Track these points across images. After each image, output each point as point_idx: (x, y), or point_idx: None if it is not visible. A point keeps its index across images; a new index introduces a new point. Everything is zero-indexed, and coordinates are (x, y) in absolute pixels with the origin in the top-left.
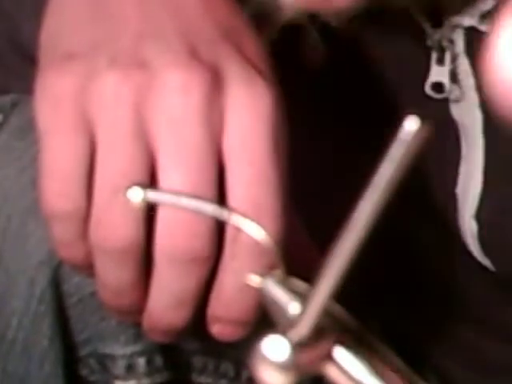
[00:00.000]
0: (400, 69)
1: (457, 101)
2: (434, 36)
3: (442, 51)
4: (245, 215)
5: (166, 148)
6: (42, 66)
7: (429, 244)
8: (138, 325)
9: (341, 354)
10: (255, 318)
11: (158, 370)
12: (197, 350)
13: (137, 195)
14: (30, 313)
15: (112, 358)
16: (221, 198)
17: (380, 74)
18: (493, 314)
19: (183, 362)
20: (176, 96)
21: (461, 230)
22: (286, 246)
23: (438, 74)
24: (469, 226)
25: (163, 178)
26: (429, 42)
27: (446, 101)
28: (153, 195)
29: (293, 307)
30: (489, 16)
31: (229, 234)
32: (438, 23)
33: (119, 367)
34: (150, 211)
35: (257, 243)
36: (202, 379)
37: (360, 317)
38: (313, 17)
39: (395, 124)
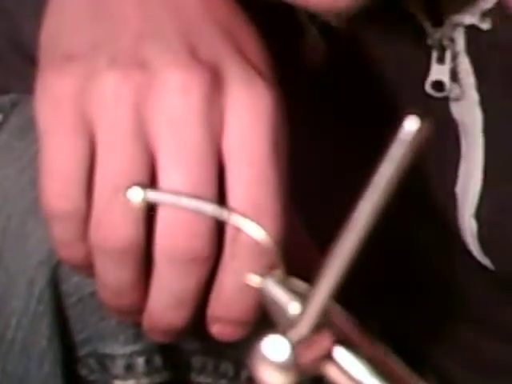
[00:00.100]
0: (400, 68)
1: (457, 99)
2: (435, 35)
3: (442, 50)
4: (245, 215)
5: (165, 148)
6: (41, 66)
7: (429, 243)
8: (137, 325)
9: (341, 354)
10: (255, 317)
11: (158, 370)
12: (196, 349)
13: (137, 195)
14: (29, 313)
15: (111, 357)
16: (221, 199)
17: (380, 73)
18: (493, 314)
19: (182, 362)
20: (176, 96)
21: (460, 229)
22: (286, 245)
23: (439, 72)
24: (468, 225)
25: (163, 178)
26: (429, 41)
27: (446, 99)
28: (153, 195)
29: (293, 307)
30: (490, 14)
31: (229, 233)
32: (438, 22)
33: (118, 367)
34: (150, 211)
35: (257, 243)
36: (202, 379)
37: (360, 317)
38: (313, 16)
39: (395, 124)
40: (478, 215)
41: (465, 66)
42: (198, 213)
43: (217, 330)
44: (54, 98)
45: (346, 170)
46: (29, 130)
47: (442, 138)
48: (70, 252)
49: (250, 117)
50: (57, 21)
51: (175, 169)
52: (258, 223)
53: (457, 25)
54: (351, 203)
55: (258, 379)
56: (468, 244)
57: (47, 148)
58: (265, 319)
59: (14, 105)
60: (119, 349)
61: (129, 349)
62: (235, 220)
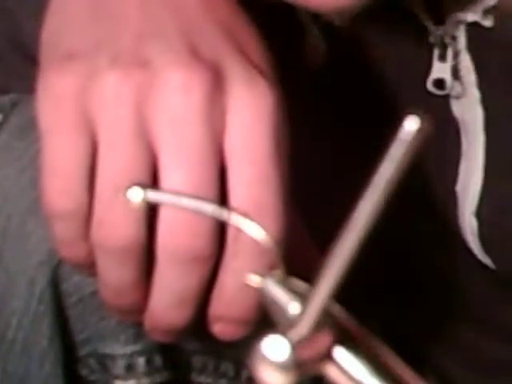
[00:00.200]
0: (401, 66)
1: (458, 97)
2: (436, 33)
3: (443, 48)
4: (245, 215)
5: (167, 147)
6: (43, 66)
7: (429, 242)
8: (137, 324)
9: (341, 354)
10: (257, 317)
11: (158, 370)
12: (196, 349)
13: (137, 195)
14: (29, 313)
15: (112, 357)
16: (222, 198)
17: (381, 72)
18: (493, 314)
19: (183, 362)
20: (177, 95)
21: (461, 227)
22: (286, 245)
23: (440, 70)
24: (469, 224)
25: (164, 177)
26: (431, 39)
27: (446, 98)
28: (153, 195)
29: (293, 307)
30: (492, 11)
31: (230, 232)
32: (439, 20)
33: (119, 367)
34: (152, 210)
35: (258, 242)
36: (202, 379)
37: (360, 317)
38: (314, 16)
39: (395, 124)
40: (479, 213)
41: (466, 63)
42: (197, 213)
43: (218, 329)
44: (56, 97)
45: (346, 169)
46: (29, 130)
47: (443, 137)
48: (72, 251)
49: (251, 116)
50: (58, 20)
51: (176, 168)
52: (260, 222)
53: (459, 22)
54: (351, 203)
55: (258, 379)
56: (468, 242)
57: (49, 147)
58: (265, 319)
59: (14, 105)
60: (119, 349)
61: (129, 349)
62: (235, 220)
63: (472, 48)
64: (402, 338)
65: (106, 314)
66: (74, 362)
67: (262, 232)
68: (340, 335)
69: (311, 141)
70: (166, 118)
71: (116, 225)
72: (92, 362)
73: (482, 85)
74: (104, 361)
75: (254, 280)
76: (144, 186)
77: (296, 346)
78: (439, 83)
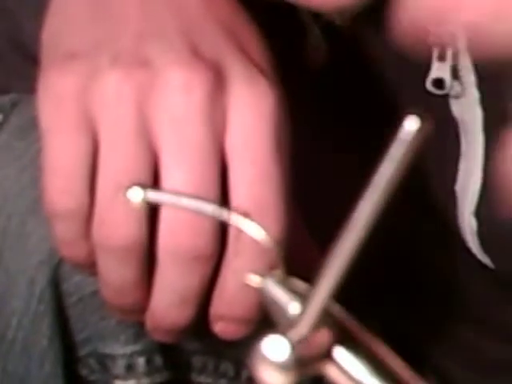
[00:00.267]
0: (401, 66)
1: (457, 97)
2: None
3: (443, 47)
4: (245, 215)
5: (168, 146)
6: (43, 66)
7: (429, 242)
8: (137, 324)
9: (341, 354)
10: (258, 316)
11: (158, 370)
12: (196, 349)
13: (137, 195)
14: (29, 312)
15: (112, 357)
16: (223, 197)
17: (381, 71)
18: (493, 314)
19: (183, 362)
20: (178, 95)
21: (460, 227)
22: (287, 245)
23: (439, 70)
24: (468, 223)
25: (166, 176)
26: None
27: (446, 97)
28: (153, 195)
29: (293, 307)
30: None
31: (232, 231)
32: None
33: (119, 367)
34: (154, 209)
35: (259, 242)
36: (202, 379)
37: (360, 317)
38: (315, 16)
39: (395, 124)
40: (478, 213)
41: (465, 63)
42: (198, 213)
43: (220, 328)
44: (57, 97)
45: (346, 169)
46: (29, 130)
47: (442, 137)
48: (73, 250)
49: (252, 115)
50: (59, 20)
51: (178, 167)
52: (261, 222)
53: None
54: (351, 203)
55: (258, 379)
56: (468, 242)
57: (50, 146)
58: (265, 319)
59: (14, 105)
60: (120, 349)
61: (129, 349)
62: (235, 220)
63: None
64: (402, 337)
65: (106, 314)
66: (74, 361)
67: (262, 232)
68: (340, 335)
69: (311, 140)
70: (167, 117)
71: (117, 224)
72: (92, 361)
73: (482, 85)
74: (104, 361)
75: (254, 280)
76: (144, 186)
77: (296, 346)
78: (438, 83)
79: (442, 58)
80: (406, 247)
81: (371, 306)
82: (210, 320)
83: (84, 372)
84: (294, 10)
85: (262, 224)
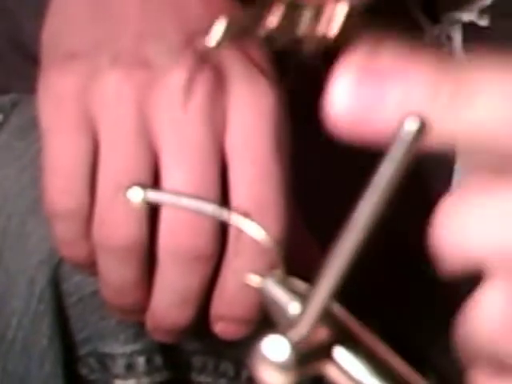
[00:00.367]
0: None
1: None
2: (432, 32)
3: (439, 47)
4: (245, 215)
5: (168, 146)
6: (44, 66)
7: (428, 242)
8: (137, 324)
9: (341, 354)
10: (258, 316)
11: (158, 369)
12: (196, 349)
13: (137, 195)
14: (29, 312)
15: (112, 357)
16: (223, 197)
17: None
18: None
19: (183, 362)
20: (178, 95)
21: None
22: (287, 244)
23: None
24: None
25: (166, 176)
26: (426, 38)
27: None
28: (153, 195)
29: (293, 307)
30: (488, 11)
31: (232, 231)
32: (435, 19)
33: (119, 366)
34: (154, 209)
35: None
36: (202, 378)
37: (360, 317)
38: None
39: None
40: None
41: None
42: (198, 213)
43: (220, 328)
44: (57, 97)
45: (346, 169)
46: (29, 130)
47: None
48: (73, 250)
49: (252, 115)
50: (59, 20)
51: (178, 167)
52: (261, 221)
53: (454, 22)
54: (351, 203)
55: (258, 379)
56: None
57: (50, 146)
58: (265, 319)
59: (14, 105)
60: (119, 348)
61: (129, 348)
62: (235, 220)
63: (468, 48)
64: (402, 337)
65: (106, 314)
66: (74, 361)
67: (262, 232)
68: (340, 335)
69: (311, 140)
70: (167, 117)
71: (117, 224)
72: (92, 361)
73: None
74: (104, 360)
75: (254, 280)
76: (144, 186)
77: (296, 346)
78: None
79: None
80: (405, 246)
81: (371, 306)
82: (211, 320)
83: (84, 371)
84: None
85: (262, 224)
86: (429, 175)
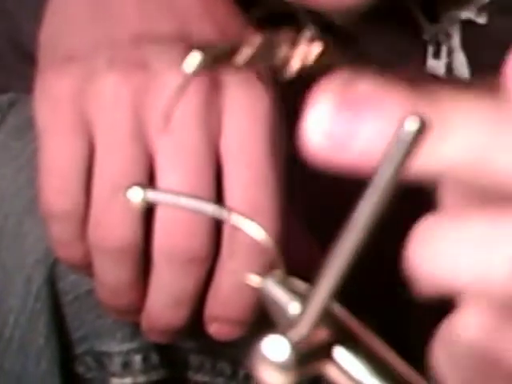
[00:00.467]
0: (396, 63)
1: None
2: (431, 30)
3: (438, 45)
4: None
5: (164, 149)
6: (41, 67)
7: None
8: (134, 322)
9: (341, 354)
10: (252, 317)
11: (155, 368)
12: (193, 348)
13: (137, 195)
14: (26, 311)
15: (108, 355)
16: (219, 200)
17: (376, 68)
18: None
19: (180, 360)
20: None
21: None
22: (286, 245)
23: (434, 67)
24: None
25: (161, 178)
26: (425, 36)
27: None
28: (153, 195)
29: (293, 307)
30: (486, 9)
31: (226, 233)
32: (434, 17)
33: (115, 364)
34: (149, 211)
35: (254, 243)
36: (199, 377)
37: (360, 317)
38: (312, 14)
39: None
40: None
41: (460, 61)
42: (198, 213)
43: (214, 329)
44: (54, 98)
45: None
46: (26, 130)
47: None
48: (68, 251)
49: (247, 118)
50: (56, 21)
51: (173, 170)
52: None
53: (453, 20)
54: (351, 203)
55: (258, 379)
56: None
57: (46, 148)
58: (265, 319)
59: (11, 104)
60: (116, 346)
61: (126, 346)
62: (235, 220)
63: (466, 46)
64: (402, 338)
65: (102, 312)
66: (71, 359)
67: (262, 232)
68: (340, 335)
69: None
70: (163, 120)
71: (113, 226)
72: (89, 359)
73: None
74: (101, 358)
75: (254, 280)
76: (144, 186)
77: (296, 346)
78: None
79: (436, 55)
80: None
81: (371, 306)
82: (205, 321)
83: (81, 370)
84: (289, 9)
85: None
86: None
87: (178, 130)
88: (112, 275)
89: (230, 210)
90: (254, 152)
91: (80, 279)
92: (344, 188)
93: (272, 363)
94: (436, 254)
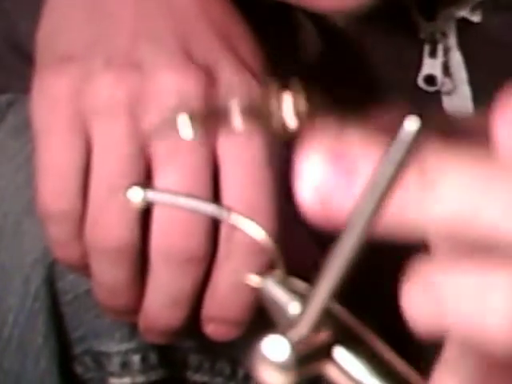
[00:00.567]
0: (393, 62)
1: (449, 93)
2: (427, 29)
3: (434, 44)
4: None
5: (160, 149)
6: (38, 67)
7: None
8: (132, 322)
9: (341, 354)
10: (249, 317)
11: (153, 368)
12: (192, 347)
13: (137, 195)
14: (25, 310)
15: (107, 355)
16: (215, 200)
17: (372, 68)
18: None
19: (178, 360)
20: (170, 98)
21: None
22: (286, 245)
23: (431, 66)
24: None
25: (158, 179)
26: (421, 35)
27: (438, 93)
28: (152, 195)
29: (293, 307)
30: (480, 7)
31: (223, 233)
32: (430, 16)
33: (114, 364)
34: (146, 211)
35: (251, 243)
36: (198, 377)
37: (360, 317)
38: (310, 14)
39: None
40: None
41: (457, 60)
42: (197, 213)
43: (211, 329)
44: (50, 99)
45: None
46: (24, 130)
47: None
48: (66, 252)
49: None
50: (53, 22)
51: (170, 170)
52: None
53: (449, 18)
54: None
55: (258, 379)
56: None
57: (43, 148)
58: (264, 319)
59: (10, 104)
60: (114, 346)
61: (124, 346)
62: (235, 220)
63: (463, 44)
64: (402, 337)
65: (101, 312)
66: (70, 359)
67: (262, 232)
68: (340, 335)
69: None
70: (159, 120)
71: (110, 226)
72: (87, 359)
73: (473, 81)
74: (99, 358)
75: (254, 280)
76: (144, 186)
77: (296, 346)
78: (430, 79)
79: (433, 54)
80: (405, 246)
81: (371, 306)
82: (202, 321)
83: (79, 370)
84: (287, 9)
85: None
86: None
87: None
88: (109, 275)
89: (230, 209)
90: (251, 152)
91: (79, 278)
92: None
93: (272, 363)
94: (427, 301)
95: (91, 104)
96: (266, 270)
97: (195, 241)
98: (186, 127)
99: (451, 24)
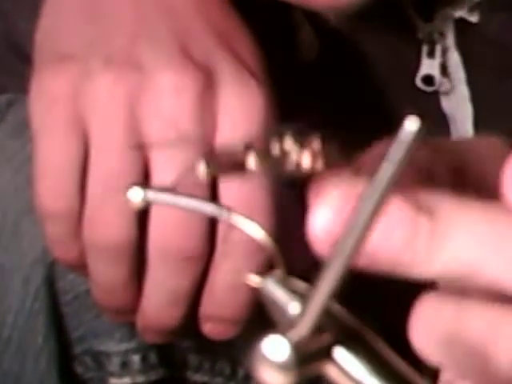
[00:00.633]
0: (391, 63)
1: (447, 93)
2: (425, 29)
3: (432, 44)
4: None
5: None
6: (37, 67)
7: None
8: (132, 322)
9: (341, 354)
10: (247, 316)
11: (153, 368)
12: (192, 347)
13: (137, 195)
14: (24, 310)
15: (107, 355)
16: (213, 198)
17: (371, 68)
18: None
19: (178, 360)
20: (169, 97)
21: None
22: (286, 245)
23: (429, 67)
24: None
25: (156, 178)
26: (419, 36)
27: (436, 94)
28: (153, 195)
29: (293, 307)
30: (478, 7)
31: (221, 232)
32: (428, 16)
33: (114, 364)
34: (144, 210)
35: (249, 242)
36: (198, 377)
37: (360, 317)
38: (308, 14)
39: (386, 119)
40: None
41: (455, 60)
42: (197, 212)
43: (209, 328)
44: (49, 98)
45: None
46: (24, 130)
47: (433, 133)
48: (64, 251)
49: (241, 117)
50: (52, 21)
51: (168, 169)
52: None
53: (447, 19)
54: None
55: (258, 379)
56: None
57: (41, 147)
58: (264, 319)
59: (9, 104)
60: (114, 346)
61: (124, 346)
62: (235, 220)
63: (460, 44)
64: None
65: (100, 312)
66: (70, 359)
67: (262, 232)
68: (340, 335)
69: None
70: (158, 119)
71: (107, 224)
72: (87, 359)
73: (471, 82)
74: (99, 358)
75: (254, 280)
76: (144, 186)
77: (296, 346)
78: (428, 80)
79: (431, 54)
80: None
81: (371, 306)
82: (200, 320)
83: (79, 370)
84: (283, 7)
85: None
86: None
87: (172, 129)
88: (107, 274)
89: (230, 209)
90: None
91: (79, 278)
92: None
93: (272, 363)
94: (434, 339)
95: (89, 103)
96: (265, 269)
97: (193, 240)
98: (203, 172)
99: (449, 24)
